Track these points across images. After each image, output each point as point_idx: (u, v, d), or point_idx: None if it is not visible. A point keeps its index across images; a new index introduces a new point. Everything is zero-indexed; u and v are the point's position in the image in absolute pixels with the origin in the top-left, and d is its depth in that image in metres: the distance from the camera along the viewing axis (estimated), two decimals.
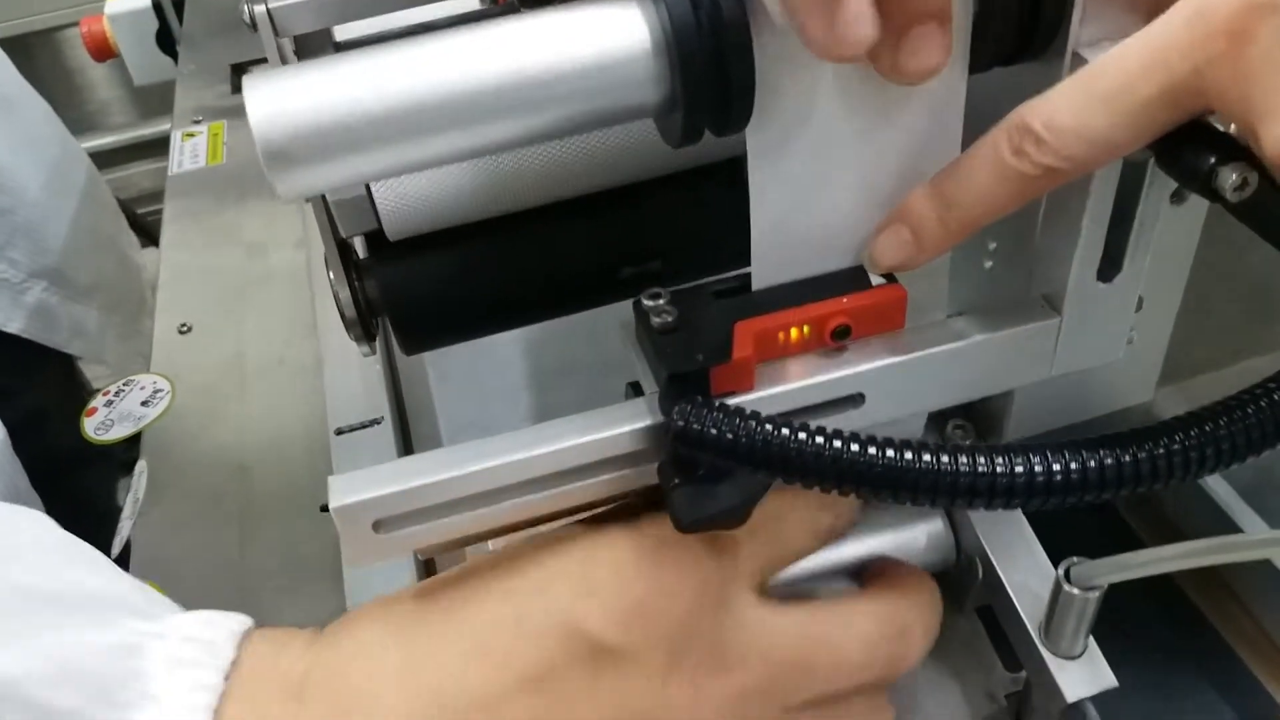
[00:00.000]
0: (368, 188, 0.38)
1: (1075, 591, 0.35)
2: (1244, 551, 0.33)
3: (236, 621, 0.32)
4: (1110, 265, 0.33)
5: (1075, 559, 0.35)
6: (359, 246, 0.41)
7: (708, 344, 0.32)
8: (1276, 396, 0.28)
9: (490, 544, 0.36)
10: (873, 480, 0.28)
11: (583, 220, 0.40)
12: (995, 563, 0.39)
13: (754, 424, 0.29)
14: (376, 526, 0.32)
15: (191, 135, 0.86)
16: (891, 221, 0.31)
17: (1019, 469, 0.28)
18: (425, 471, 0.31)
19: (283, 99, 0.27)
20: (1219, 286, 0.38)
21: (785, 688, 0.33)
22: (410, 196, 0.38)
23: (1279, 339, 0.42)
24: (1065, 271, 0.33)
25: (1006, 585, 0.38)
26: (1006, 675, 0.42)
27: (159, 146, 1.71)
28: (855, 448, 0.28)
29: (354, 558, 0.32)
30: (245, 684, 0.30)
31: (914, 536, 0.42)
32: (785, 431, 0.29)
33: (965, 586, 0.42)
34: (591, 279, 0.40)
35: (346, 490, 0.31)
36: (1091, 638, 0.37)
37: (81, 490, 0.83)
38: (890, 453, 0.28)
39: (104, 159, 1.72)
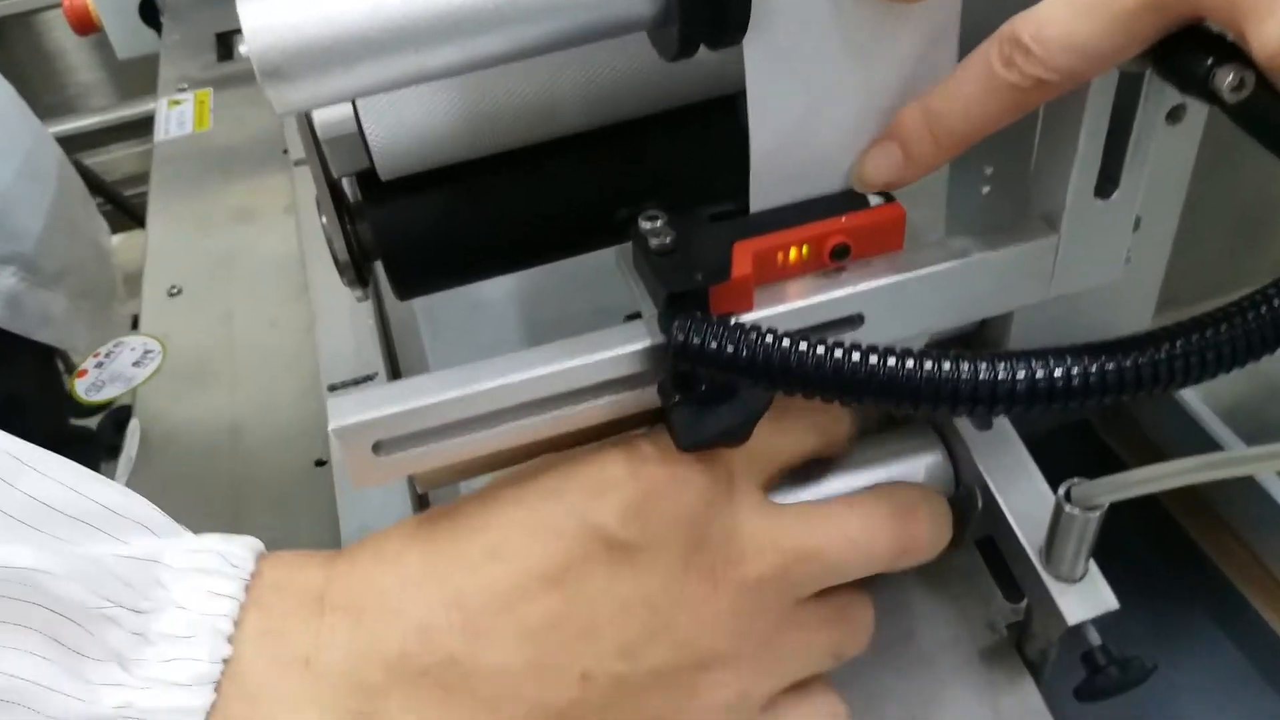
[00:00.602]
0: (359, 126, 0.38)
1: (1076, 512, 0.35)
2: (1242, 466, 0.33)
3: (252, 541, 0.32)
4: (1107, 182, 0.33)
5: (1076, 479, 0.35)
6: (352, 193, 0.41)
7: (706, 264, 0.32)
8: (1251, 315, 0.28)
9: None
10: (873, 389, 0.28)
11: (578, 159, 0.40)
12: (995, 490, 0.39)
13: (754, 336, 0.29)
14: (376, 448, 0.32)
15: (178, 103, 0.86)
16: (882, 138, 0.31)
17: (1020, 374, 0.28)
18: (425, 393, 0.31)
19: (277, 10, 0.27)
20: (1212, 215, 0.38)
21: (799, 575, 0.33)
22: (402, 133, 0.38)
23: (1272, 266, 0.42)
24: (1063, 189, 0.33)
25: (1006, 511, 0.38)
26: (1007, 606, 0.42)
27: (141, 127, 1.70)
28: (856, 357, 0.28)
29: (356, 480, 0.32)
30: (265, 594, 0.30)
31: (913, 469, 0.42)
32: (785, 343, 0.29)
33: (965, 518, 0.42)
34: (588, 219, 0.39)
35: (347, 411, 0.31)
36: (1092, 561, 0.37)
37: None
38: (891, 361, 0.28)
39: (85, 141, 1.71)
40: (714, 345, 0.29)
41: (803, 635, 0.34)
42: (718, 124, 0.40)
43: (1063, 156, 0.32)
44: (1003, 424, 0.40)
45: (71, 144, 1.29)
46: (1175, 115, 0.33)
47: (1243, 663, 0.44)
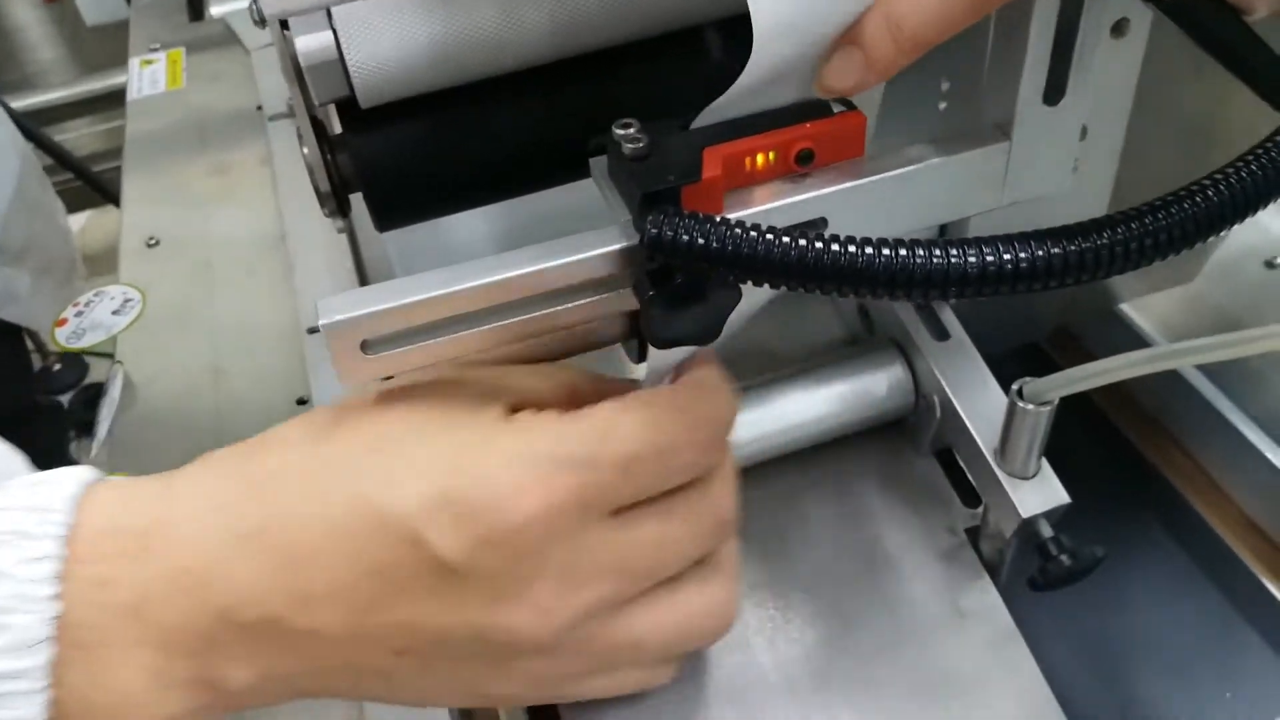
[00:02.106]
0: (340, 52, 0.39)
1: (1029, 408, 0.37)
2: (1179, 359, 0.35)
3: (74, 481, 0.32)
4: (1055, 91, 0.35)
5: (1027, 379, 0.37)
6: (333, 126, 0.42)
7: (678, 167, 0.33)
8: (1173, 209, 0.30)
9: None
10: (836, 275, 0.30)
11: (558, 86, 0.41)
12: (952, 396, 0.41)
13: (724, 227, 0.30)
14: (364, 346, 0.33)
15: (150, 62, 0.86)
16: (842, 44, 0.32)
17: (978, 257, 0.29)
18: (410, 291, 0.33)
19: None
20: (1158, 128, 0.40)
21: (631, 591, 0.33)
22: (382, 59, 0.39)
23: None
24: (1013, 97, 0.34)
25: (963, 415, 0.41)
26: (965, 510, 0.44)
27: (103, 103, 1.69)
28: (819, 245, 0.30)
29: (345, 377, 0.33)
30: (89, 544, 0.30)
31: (876, 382, 0.44)
32: (754, 233, 0.30)
33: (924, 428, 0.44)
34: (567, 147, 0.40)
35: (336, 309, 0.32)
36: (1044, 460, 0.39)
37: (29, 450, 0.82)
38: (852, 249, 0.30)
39: (47, 117, 1.70)
40: (685, 237, 0.31)
41: (629, 638, 0.34)
42: (694, 52, 0.42)
43: (1012, 66, 0.34)
44: (959, 336, 0.43)
45: (33, 121, 1.28)
46: (1119, 29, 0.35)
47: (1188, 563, 0.47)
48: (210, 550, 0.31)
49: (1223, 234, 0.45)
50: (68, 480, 0.32)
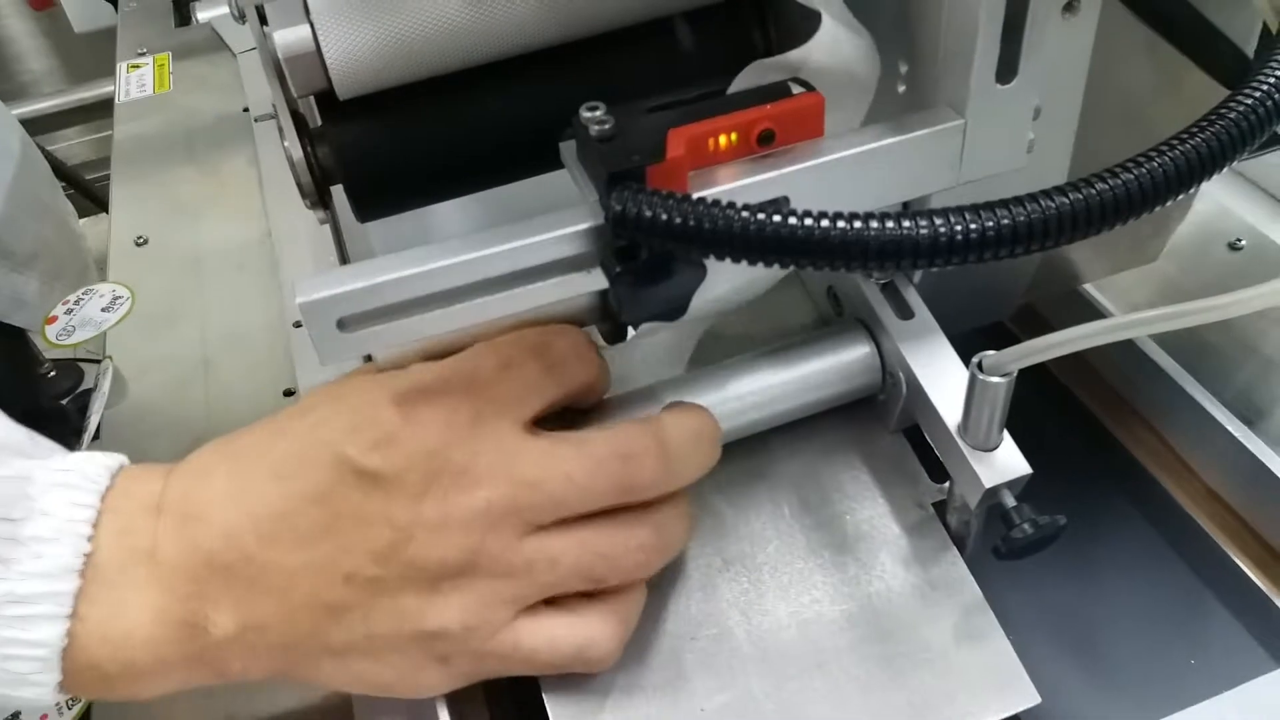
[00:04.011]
0: (317, 44, 0.40)
1: (989, 380, 0.38)
2: (1133, 329, 0.36)
3: (111, 458, 0.38)
4: (1007, 70, 0.36)
5: (987, 351, 0.38)
6: (312, 119, 0.43)
7: (644, 148, 0.34)
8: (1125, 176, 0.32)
9: None
10: (797, 248, 0.31)
11: (537, 76, 0.42)
12: (917, 373, 0.42)
13: (686, 203, 0.32)
14: (341, 325, 0.34)
15: (137, 66, 0.87)
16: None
17: (942, 228, 0.31)
18: (384, 270, 0.34)
19: None
20: (1110, 110, 0.41)
21: (527, 504, 0.36)
22: (359, 50, 0.40)
23: None
24: (967, 75, 0.36)
25: (928, 391, 0.42)
26: (932, 485, 0.45)
27: (94, 112, 1.70)
28: (778, 219, 0.31)
29: (322, 357, 0.34)
30: (117, 501, 0.36)
31: (844, 360, 0.45)
32: (716, 209, 0.31)
33: (891, 405, 0.45)
34: (545, 136, 0.41)
35: (313, 287, 0.33)
36: (1006, 432, 0.40)
37: None
38: (809, 221, 0.31)
39: (38, 127, 1.70)
40: (648, 213, 0.32)
41: (542, 553, 0.37)
42: (670, 41, 0.43)
43: (966, 46, 0.35)
44: (923, 314, 0.44)
45: (25, 130, 1.29)
46: (1070, 8, 0.36)
47: (1154, 535, 0.48)
48: (201, 503, 0.37)
49: (1179, 209, 0.47)
50: (109, 456, 0.38)
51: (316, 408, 0.38)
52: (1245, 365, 0.52)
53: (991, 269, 0.46)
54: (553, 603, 0.38)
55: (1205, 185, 0.61)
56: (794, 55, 0.38)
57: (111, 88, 0.88)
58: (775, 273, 0.43)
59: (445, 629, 0.37)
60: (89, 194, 1.42)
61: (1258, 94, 0.33)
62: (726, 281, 0.41)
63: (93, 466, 0.37)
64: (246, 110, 0.81)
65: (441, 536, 0.36)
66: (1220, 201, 0.60)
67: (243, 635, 0.36)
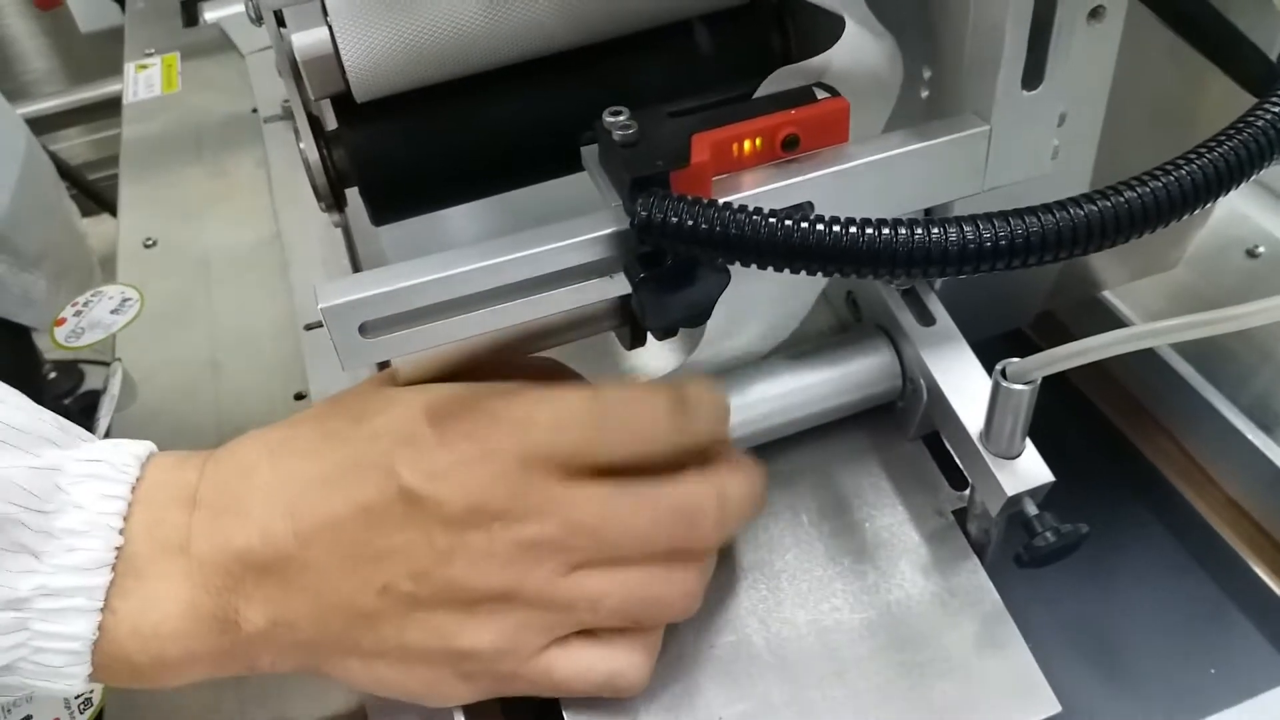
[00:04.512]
0: (335, 47, 0.39)
1: (1013, 387, 0.38)
2: (1158, 338, 0.36)
3: (141, 446, 0.38)
4: (1033, 76, 0.36)
5: (1011, 359, 0.38)
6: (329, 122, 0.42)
7: (667, 153, 0.34)
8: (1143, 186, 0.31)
9: None
10: (824, 255, 0.31)
11: (554, 79, 0.42)
12: (939, 380, 0.42)
13: (711, 209, 0.31)
14: (363, 330, 0.34)
15: (145, 67, 0.87)
16: None
17: (970, 235, 0.30)
18: (407, 275, 0.34)
19: None
20: (1134, 116, 0.41)
21: (577, 546, 0.36)
22: (377, 53, 0.40)
23: None
24: (992, 82, 0.35)
25: (949, 398, 0.41)
26: (952, 493, 0.45)
27: (97, 112, 1.70)
28: (805, 225, 0.31)
29: (345, 362, 0.34)
30: (149, 493, 0.36)
31: (863, 367, 0.45)
32: (742, 214, 0.31)
33: (911, 412, 0.45)
34: (561, 141, 0.41)
35: (335, 292, 0.33)
36: (1029, 440, 0.40)
37: None
38: (837, 228, 0.31)
39: (42, 126, 1.70)
40: (674, 219, 0.31)
41: (583, 594, 0.37)
42: (688, 45, 0.42)
43: (991, 52, 0.35)
44: (945, 321, 0.43)
45: (29, 130, 1.29)
46: (1096, 14, 0.36)
47: (1174, 545, 0.48)
48: (238, 500, 0.36)
49: (1200, 217, 0.47)
50: (138, 445, 0.38)
51: (372, 417, 0.37)
52: (1264, 372, 0.52)
53: (1013, 275, 0.46)
54: (584, 631, 0.38)
55: None
56: (817, 61, 0.37)
57: (115, 87, 0.88)
58: (804, 307, 0.43)
59: (477, 650, 0.36)
60: (92, 194, 1.42)
61: None
62: (758, 322, 0.41)
63: (121, 456, 0.37)
64: (255, 111, 0.81)
65: (483, 565, 0.35)
66: (1238, 209, 0.59)
67: (273, 631, 0.36)
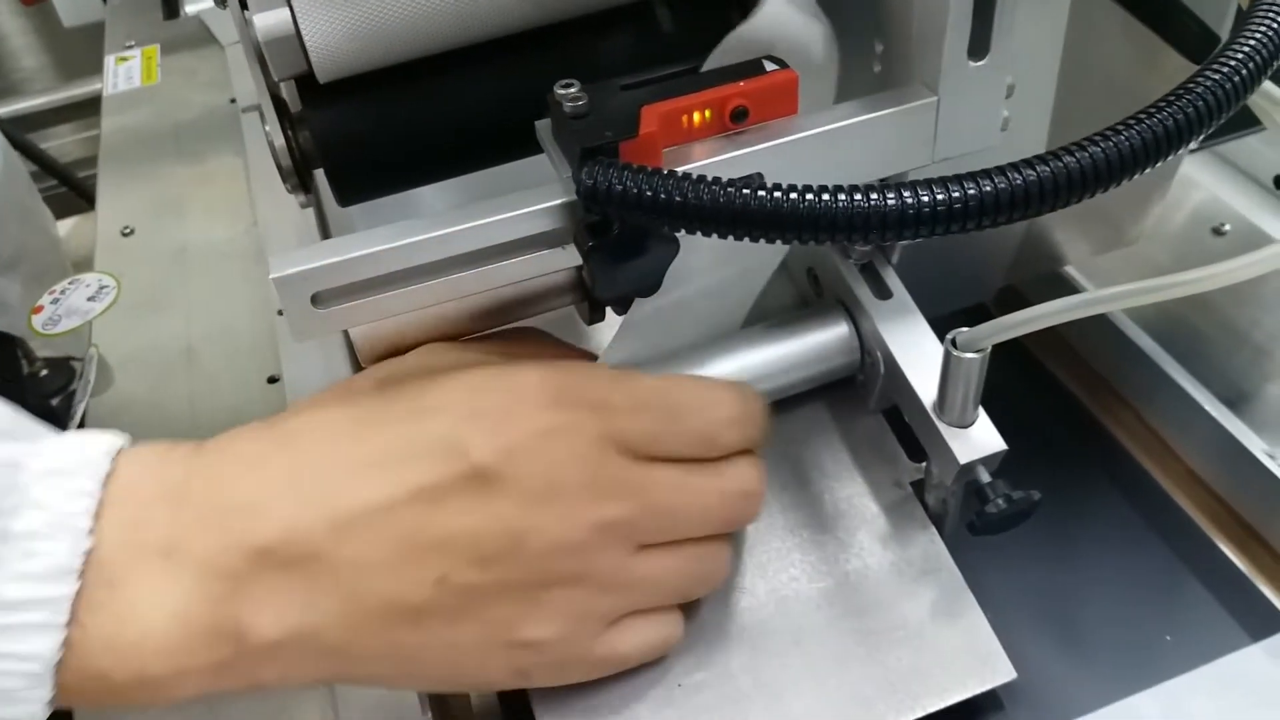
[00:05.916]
0: (296, 27, 0.40)
1: (964, 356, 0.38)
2: (1103, 304, 0.37)
3: (113, 438, 0.33)
4: (979, 47, 0.36)
5: (961, 329, 0.39)
6: (293, 102, 0.43)
7: (617, 124, 0.35)
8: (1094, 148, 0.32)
9: None
10: (767, 220, 0.31)
11: (518, 58, 0.42)
12: (894, 352, 0.42)
13: (655, 176, 0.32)
14: (315, 300, 0.34)
15: (125, 59, 0.87)
16: None
17: (908, 199, 0.31)
18: (359, 245, 0.34)
19: None
20: (1087, 91, 0.42)
21: (647, 527, 0.36)
22: (339, 33, 0.40)
23: None
24: (939, 53, 0.36)
25: (905, 370, 0.42)
26: (911, 465, 0.45)
27: (85, 109, 1.70)
28: (747, 191, 0.31)
29: (296, 333, 0.34)
30: (124, 489, 0.32)
31: (822, 340, 0.45)
32: (685, 182, 0.32)
33: (870, 385, 0.45)
34: (526, 120, 0.41)
35: (287, 263, 0.33)
36: (982, 409, 0.41)
37: None
38: (778, 194, 0.31)
39: (28, 124, 1.70)
40: (619, 187, 0.32)
41: (650, 574, 0.37)
42: (649, 22, 0.43)
43: (938, 23, 0.35)
44: (901, 295, 0.44)
45: (16, 127, 1.29)
46: None
47: (1134, 515, 0.48)
48: (248, 493, 0.33)
49: (1157, 192, 0.47)
50: (107, 436, 0.33)
51: (419, 395, 0.35)
52: (1226, 348, 0.53)
53: (970, 248, 0.47)
54: None
55: (1189, 170, 0.61)
56: (742, 30, 0.38)
57: (99, 84, 0.88)
58: (767, 262, 0.44)
59: (539, 640, 0.35)
60: (82, 192, 1.42)
61: (1225, 69, 0.33)
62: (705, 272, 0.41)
63: (92, 449, 0.32)
64: (234, 101, 0.81)
65: (556, 546, 0.34)
66: (1205, 187, 0.60)
67: (288, 641, 0.32)
